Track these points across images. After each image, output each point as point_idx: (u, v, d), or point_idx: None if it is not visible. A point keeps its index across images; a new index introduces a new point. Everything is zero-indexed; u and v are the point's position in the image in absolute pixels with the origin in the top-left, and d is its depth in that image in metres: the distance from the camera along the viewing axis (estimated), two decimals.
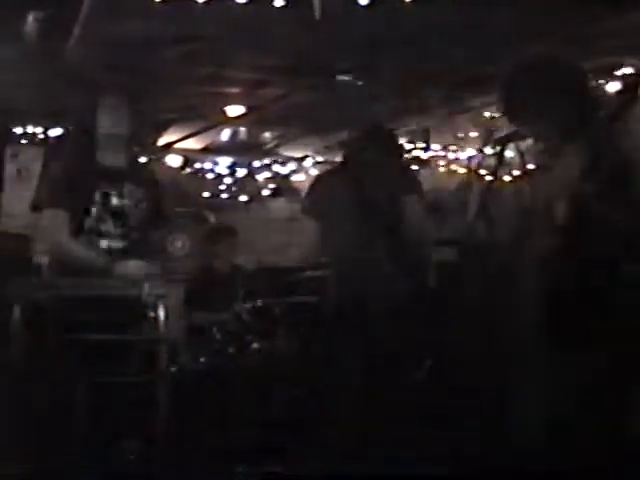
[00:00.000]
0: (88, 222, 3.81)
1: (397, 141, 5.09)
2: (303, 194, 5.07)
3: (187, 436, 3.77)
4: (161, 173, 7.26)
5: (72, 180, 3.85)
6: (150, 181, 4.12)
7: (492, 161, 3.41)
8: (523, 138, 3.41)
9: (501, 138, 3.41)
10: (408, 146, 7.51)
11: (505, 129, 3.58)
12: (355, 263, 4.47)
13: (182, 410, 3.72)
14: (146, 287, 3.50)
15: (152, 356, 3.52)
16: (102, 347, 3.40)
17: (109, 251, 3.82)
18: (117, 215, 3.89)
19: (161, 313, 3.46)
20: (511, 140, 3.42)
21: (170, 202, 4.29)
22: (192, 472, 3.77)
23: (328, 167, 8.27)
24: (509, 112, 3.44)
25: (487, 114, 6.40)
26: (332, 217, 4.63)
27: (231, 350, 5.27)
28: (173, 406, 3.52)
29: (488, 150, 3.62)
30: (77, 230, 3.79)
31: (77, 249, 3.77)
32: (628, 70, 5.65)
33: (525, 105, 3.37)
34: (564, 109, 3.37)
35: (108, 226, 3.86)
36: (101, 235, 3.85)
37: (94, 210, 3.83)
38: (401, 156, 5.19)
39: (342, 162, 4.94)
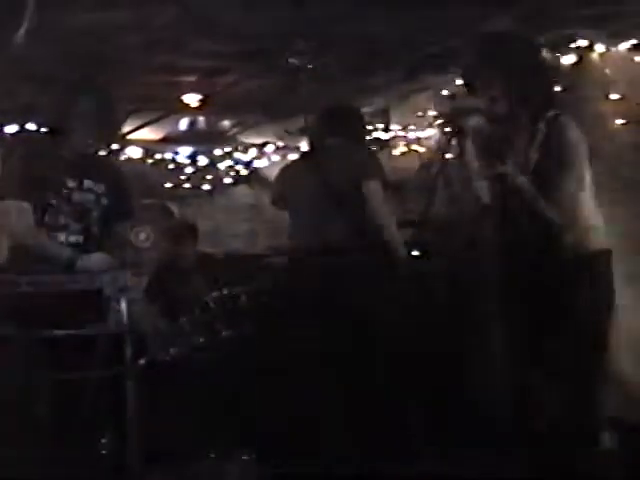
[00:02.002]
0: (48, 216, 3.78)
1: (360, 121, 5.06)
2: (266, 180, 5.07)
3: (156, 429, 3.75)
4: (122, 165, 7.22)
5: (31, 174, 3.81)
6: (111, 174, 4.09)
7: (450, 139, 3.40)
8: (479, 114, 3.41)
9: (456, 114, 3.41)
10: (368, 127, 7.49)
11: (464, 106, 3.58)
12: (320, 249, 4.47)
13: (152, 403, 3.69)
14: (108, 280, 3.46)
15: (119, 350, 3.49)
16: (65, 343, 3.37)
17: (69, 245, 3.79)
18: (77, 209, 3.86)
19: (124, 306, 3.43)
20: (467, 115, 3.42)
21: (133, 194, 4.26)
22: (163, 463, 3.76)
23: (290, 153, 8.29)
24: (472, 89, 3.46)
25: (446, 92, 6.41)
26: (298, 205, 4.64)
27: (201, 339, 5.25)
28: (143, 399, 3.49)
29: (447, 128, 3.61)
30: (37, 224, 3.75)
31: (41, 242, 3.74)
32: (583, 42, 5.68)
33: (491, 82, 3.39)
34: (530, 88, 3.41)
35: (68, 220, 3.83)
36: (61, 229, 3.81)
37: (54, 204, 3.79)
38: (364, 137, 5.16)
39: (308, 149, 4.95)
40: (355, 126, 4.90)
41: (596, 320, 3.30)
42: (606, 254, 3.38)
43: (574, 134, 3.31)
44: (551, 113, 3.34)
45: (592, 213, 3.38)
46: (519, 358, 3.33)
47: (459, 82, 3.73)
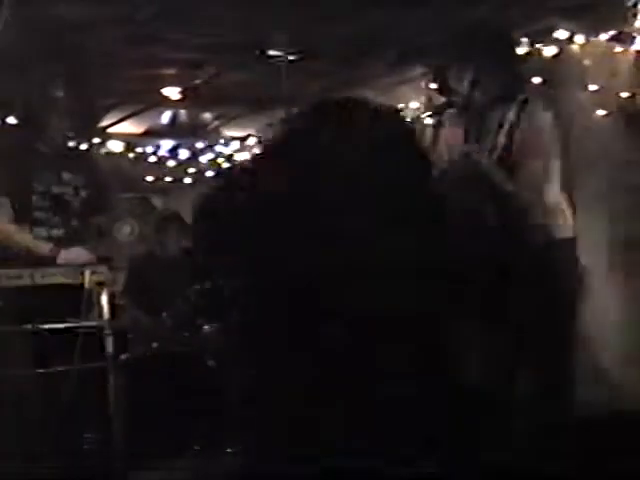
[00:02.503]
0: (26, 210, 3.76)
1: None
2: None
3: (137, 424, 3.74)
4: (103, 159, 7.18)
5: (10, 168, 3.79)
6: (90, 167, 4.08)
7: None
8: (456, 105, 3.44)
9: (438, 107, 3.43)
10: None
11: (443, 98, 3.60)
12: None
13: (134, 397, 3.68)
14: (87, 274, 3.45)
15: (100, 344, 3.48)
16: (47, 337, 3.36)
17: (49, 239, 3.77)
18: (56, 203, 3.84)
19: (104, 300, 3.41)
20: (447, 109, 3.44)
21: (113, 188, 4.24)
22: (148, 457, 3.75)
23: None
24: (442, 80, 3.47)
25: (424, 84, 6.41)
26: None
27: (183, 334, 5.24)
28: (124, 394, 3.48)
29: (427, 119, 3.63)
30: (16, 218, 3.73)
31: (20, 236, 3.72)
32: (563, 34, 5.68)
33: (458, 71, 3.40)
34: (496, 77, 3.42)
35: (47, 214, 3.81)
36: (40, 223, 3.80)
37: (33, 198, 3.78)
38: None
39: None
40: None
41: (561, 308, 3.31)
42: (571, 241, 3.38)
43: (543, 118, 3.32)
44: (521, 97, 3.35)
45: (559, 198, 3.39)
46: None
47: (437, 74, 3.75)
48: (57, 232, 3.84)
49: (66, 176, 3.89)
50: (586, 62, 5.57)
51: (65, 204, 3.87)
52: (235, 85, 6.80)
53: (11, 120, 6.41)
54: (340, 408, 1.37)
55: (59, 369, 3.37)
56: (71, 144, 4.00)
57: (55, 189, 3.85)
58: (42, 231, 3.80)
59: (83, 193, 3.94)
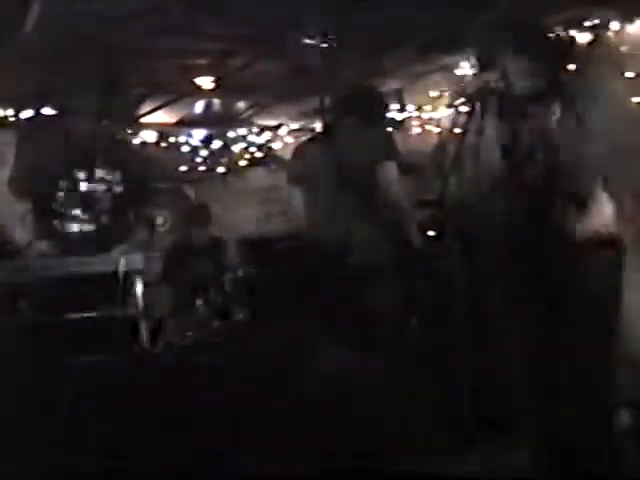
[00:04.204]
0: (55, 207, 3.80)
1: (379, 102, 5.02)
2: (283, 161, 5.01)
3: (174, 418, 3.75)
4: (137, 149, 7.22)
5: (42, 165, 3.83)
6: (126, 160, 4.09)
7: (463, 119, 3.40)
8: (493, 93, 3.42)
9: (472, 95, 3.40)
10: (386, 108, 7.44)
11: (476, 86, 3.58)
12: (336, 230, 4.47)
13: (169, 391, 3.69)
14: (123, 263, 3.48)
15: (136, 333, 3.51)
16: (83, 326, 3.39)
17: (80, 235, 3.81)
18: (86, 200, 3.87)
19: (139, 289, 3.44)
20: (482, 96, 3.42)
21: (148, 179, 4.26)
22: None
23: (308, 135, 8.27)
24: (487, 66, 3.46)
25: (459, 72, 6.38)
26: (313, 185, 4.62)
27: (216, 323, 5.27)
28: (159, 386, 3.49)
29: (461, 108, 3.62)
30: (44, 214, 3.78)
31: None
32: (597, 21, 5.63)
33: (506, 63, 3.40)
34: (545, 70, 3.41)
35: (77, 211, 3.84)
36: (70, 219, 3.83)
37: (61, 195, 3.81)
38: (381, 118, 5.12)
39: (323, 129, 4.92)
40: (373, 107, 4.87)
41: (606, 306, 3.31)
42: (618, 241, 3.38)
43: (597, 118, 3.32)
44: (567, 96, 3.35)
45: (605, 198, 3.39)
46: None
47: (472, 62, 3.73)
48: (86, 228, 3.87)
49: (100, 172, 3.92)
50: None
51: (94, 201, 3.90)
52: (267, 74, 6.80)
53: (50, 111, 6.50)
54: None
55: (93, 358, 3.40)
56: (109, 139, 4.01)
57: (87, 185, 3.88)
58: (70, 227, 3.84)
59: (118, 187, 3.96)
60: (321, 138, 4.89)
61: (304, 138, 4.35)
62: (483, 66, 3.51)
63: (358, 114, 4.70)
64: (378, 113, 4.93)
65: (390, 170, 4.54)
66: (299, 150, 5.00)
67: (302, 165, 4.81)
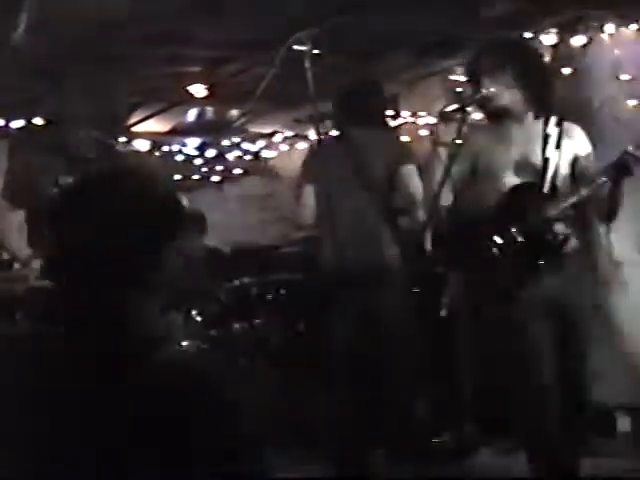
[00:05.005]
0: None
1: (381, 100, 4.94)
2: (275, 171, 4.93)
3: None
4: (130, 158, 7.16)
5: (33, 173, 3.79)
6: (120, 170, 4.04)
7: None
8: (486, 102, 3.44)
9: (465, 101, 3.41)
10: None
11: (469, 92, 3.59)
12: (352, 233, 4.39)
13: None
14: None
15: None
16: None
17: None
18: None
19: None
20: (474, 103, 3.43)
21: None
22: None
23: (299, 142, 8.22)
24: (485, 76, 3.46)
25: (454, 77, 6.34)
26: (328, 186, 4.49)
27: (212, 333, 5.22)
28: None
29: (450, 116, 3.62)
30: (38, 224, 3.72)
31: None
32: (592, 24, 5.58)
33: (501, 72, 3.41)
34: (535, 89, 3.44)
35: None
36: None
37: None
38: (386, 120, 5.05)
39: (338, 133, 4.85)
40: (376, 107, 4.80)
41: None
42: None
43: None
44: (556, 117, 3.44)
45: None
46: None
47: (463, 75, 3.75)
48: None
49: None
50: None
51: None
52: (260, 81, 6.75)
53: (40, 121, 6.44)
54: None
55: None
56: (101, 147, 3.97)
57: None
58: None
59: None
60: (335, 141, 4.78)
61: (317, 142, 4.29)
62: (471, 80, 3.56)
63: (363, 115, 4.62)
64: (379, 111, 4.84)
65: (411, 173, 4.48)
66: (314, 153, 4.87)
67: (317, 167, 4.64)
